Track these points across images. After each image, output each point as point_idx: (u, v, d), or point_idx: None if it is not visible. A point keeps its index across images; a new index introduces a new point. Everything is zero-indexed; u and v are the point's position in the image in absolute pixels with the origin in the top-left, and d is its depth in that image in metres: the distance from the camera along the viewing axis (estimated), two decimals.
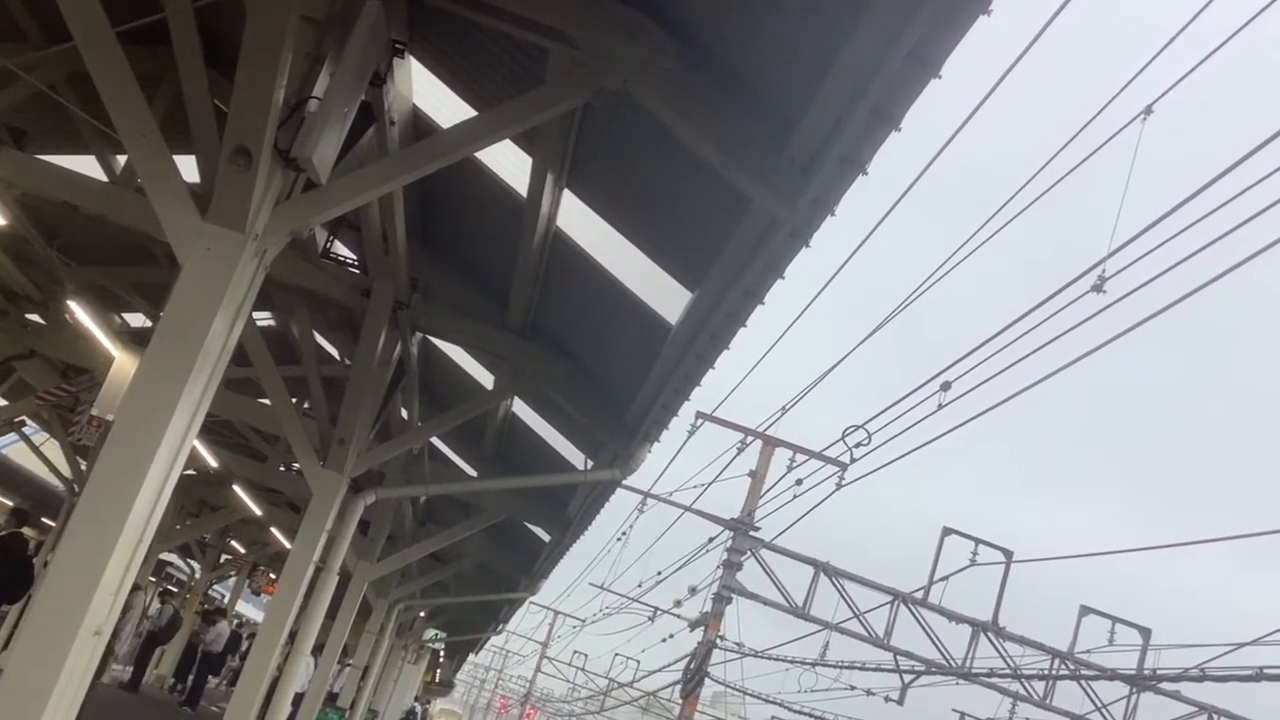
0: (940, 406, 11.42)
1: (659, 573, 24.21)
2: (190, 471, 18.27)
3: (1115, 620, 18.95)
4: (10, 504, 23.39)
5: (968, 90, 7.55)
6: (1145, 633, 18.79)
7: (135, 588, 17.29)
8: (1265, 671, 12.94)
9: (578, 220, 8.27)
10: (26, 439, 21.35)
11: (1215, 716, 19.78)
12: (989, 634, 19.18)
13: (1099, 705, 19.46)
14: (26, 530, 15.14)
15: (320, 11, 5.40)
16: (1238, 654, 15.41)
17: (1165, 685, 18.59)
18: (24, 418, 19.17)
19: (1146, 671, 18.34)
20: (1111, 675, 18.43)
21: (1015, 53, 7.09)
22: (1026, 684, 19.67)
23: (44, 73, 9.13)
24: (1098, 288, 8.76)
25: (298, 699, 15.65)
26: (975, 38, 4.52)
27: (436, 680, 50.72)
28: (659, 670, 29.45)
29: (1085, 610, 19.07)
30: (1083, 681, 19.12)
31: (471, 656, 59.83)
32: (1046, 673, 19.17)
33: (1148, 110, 8.68)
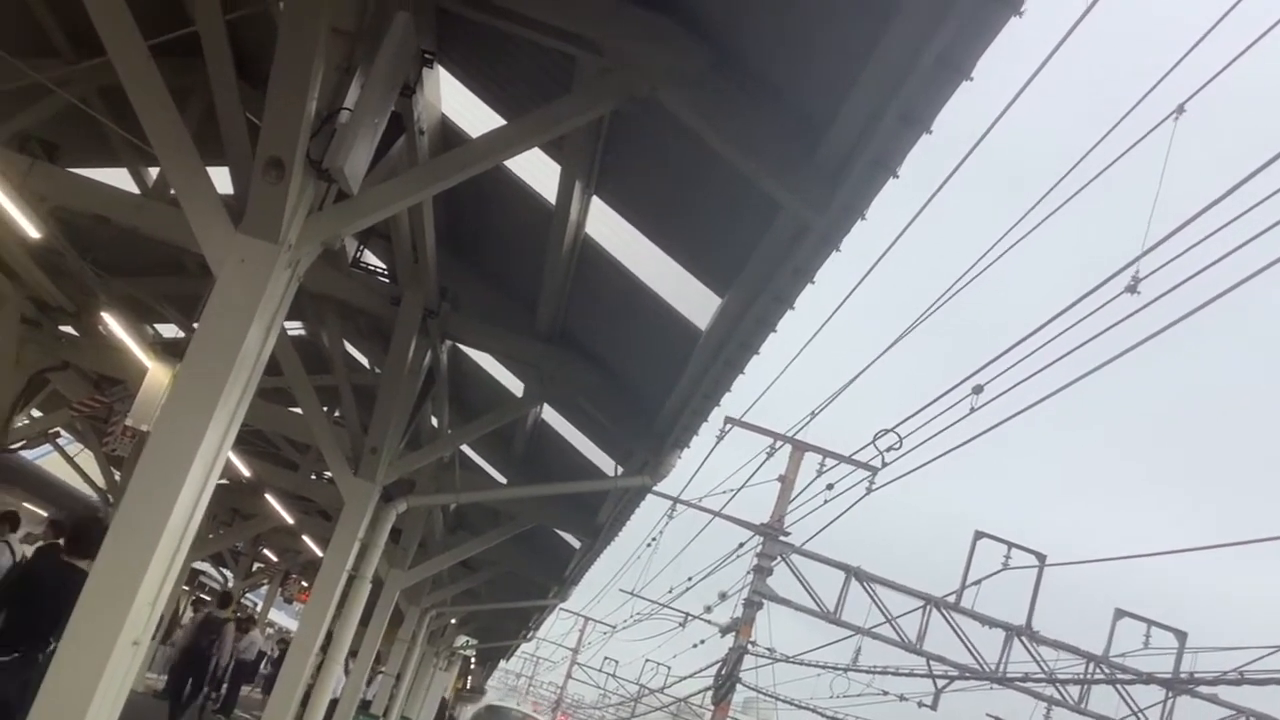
0: (973, 409, 11.37)
1: (689, 578, 24.24)
2: (223, 480, 18.41)
3: (1150, 623, 18.79)
4: (46, 514, 23.59)
5: (1001, 91, 7.51)
6: (1181, 636, 18.61)
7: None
8: None
9: (606, 227, 8.28)
10: (61, 450, 21.56)
11: None
12: (1022, 638, 19.06)
13: (1135, 709, 19.29)
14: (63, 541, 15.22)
15: (351, 23, 5.43)
16: (1276, 656, 15.26)
17: (1202, 689, 18.40)
18: (58, 429, 19.35)
19: (1183, 675, 18.16)
20: (1147, 679, 18.26)
21: (1051, 54, 7.04)
22: (1061, 688, 19.52)
23: (75, 86, 9.23)
24: (1132, 288, 8.70)
25: (332, 706, 15.71)
26: (1006, 39, 4.49)
27: (468, 687, 50.90)
28: (690, 676, 29.42)
29: (1120, 613, 18.92)
30: (1118, 685, 18.96)
31: (502, 663, 59.94)
32: (1081, 677, 19.02)
33: (1180, 109, 8.61)
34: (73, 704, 4.91)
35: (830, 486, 18.16)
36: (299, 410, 13.01)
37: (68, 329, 14.54)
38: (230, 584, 32.12)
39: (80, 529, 8.04)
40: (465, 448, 15.48)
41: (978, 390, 11.38)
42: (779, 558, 20.05)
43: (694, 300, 8.09)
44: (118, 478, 18.59)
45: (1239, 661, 15.81)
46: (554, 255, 8.61)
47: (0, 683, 7.25)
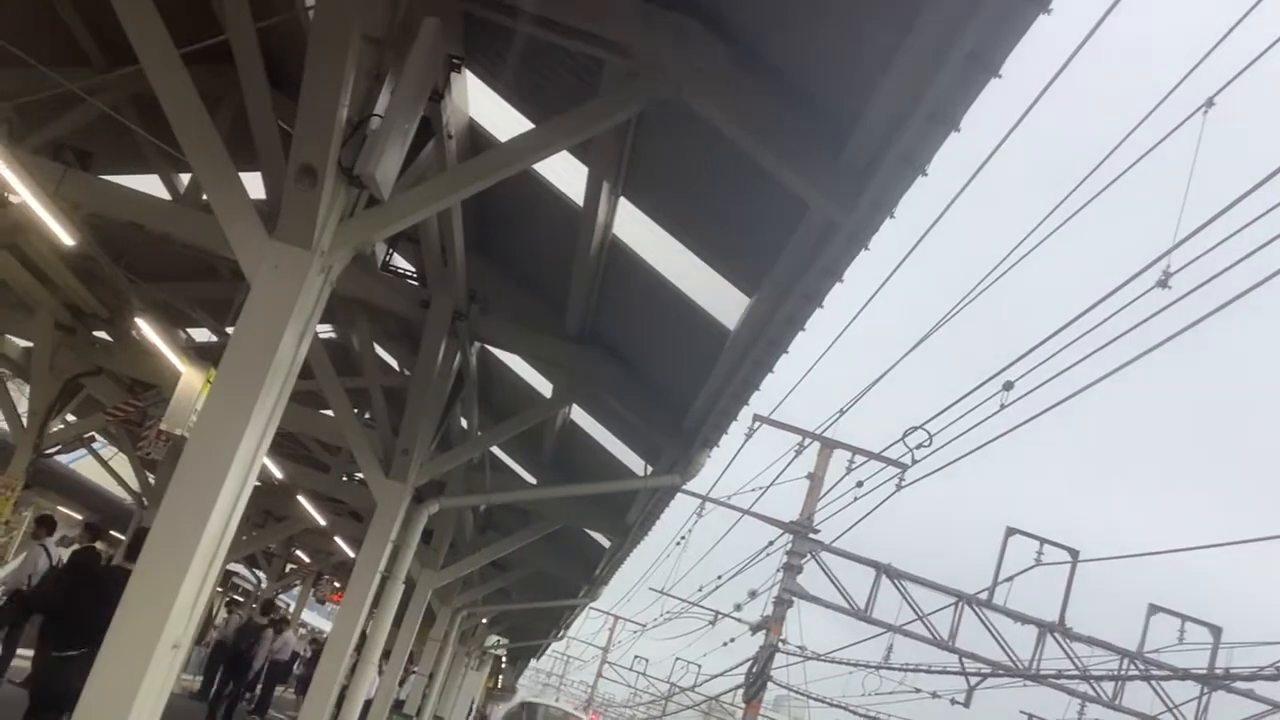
0: (1003, 406, 11.33)
1: (719, 576, 24.23)
2: (256, 483, 18.56)
3: (1185, 618, 18.65)
4: (81, 518, 23.85)
5: (1030, 88, 7.49)
6: (1216, 631, 18.46)
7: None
8: None
9: (634, 228, 8.30)
10: (96, 454, 21.78)
11: None
12: (1056, 634, 18.95)
13: (1170, 706, 19.15)
14: (98, 544, 15.41)
15: (380, 30, 5.47)
16: None
17: (1238, 684, 18.24)
18: (93, 433, 19.55)
19: (1218, 670, 18.01)
20: (1183, 675, 18.13)
21: (1081, 51, 7.01)
22: (1095, 685, 19.40)
23: (108, 95, 9.33)
24: (1163, 283, 8.66)
25: (365, 706, 15.82)
26: (1035, 36, 4.47)
27: (499, 686, 51.07)
28: (721, 675, 29.39)
29: (1154, 609, 18.78)
30: (1153, 682, 18.83)
31: (533, 662, 60.10)
32: (1115, 673, 18.90)
33: (1209, 103, 8.55)
34: (115, 708, 4.98)
35: (860, 484, 18.13)
36: (330, 413, 13.09)
37: (102, 335, 14.71)
38: (263, 585, 32.34)
39: (140, 536, 8.29)
40: (495, 449, 15.54)
41: (1008, 387, 11.34)
42: (809, 555, 20.02)
43: (722, 300, 8.10)
44: (151, 481, 18.77)
45: (1275, 656, 15.69)
46: (582, 256, 8.64)
47: (69, 674, 7.44)
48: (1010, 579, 18.83)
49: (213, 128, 5.71)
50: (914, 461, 15.91)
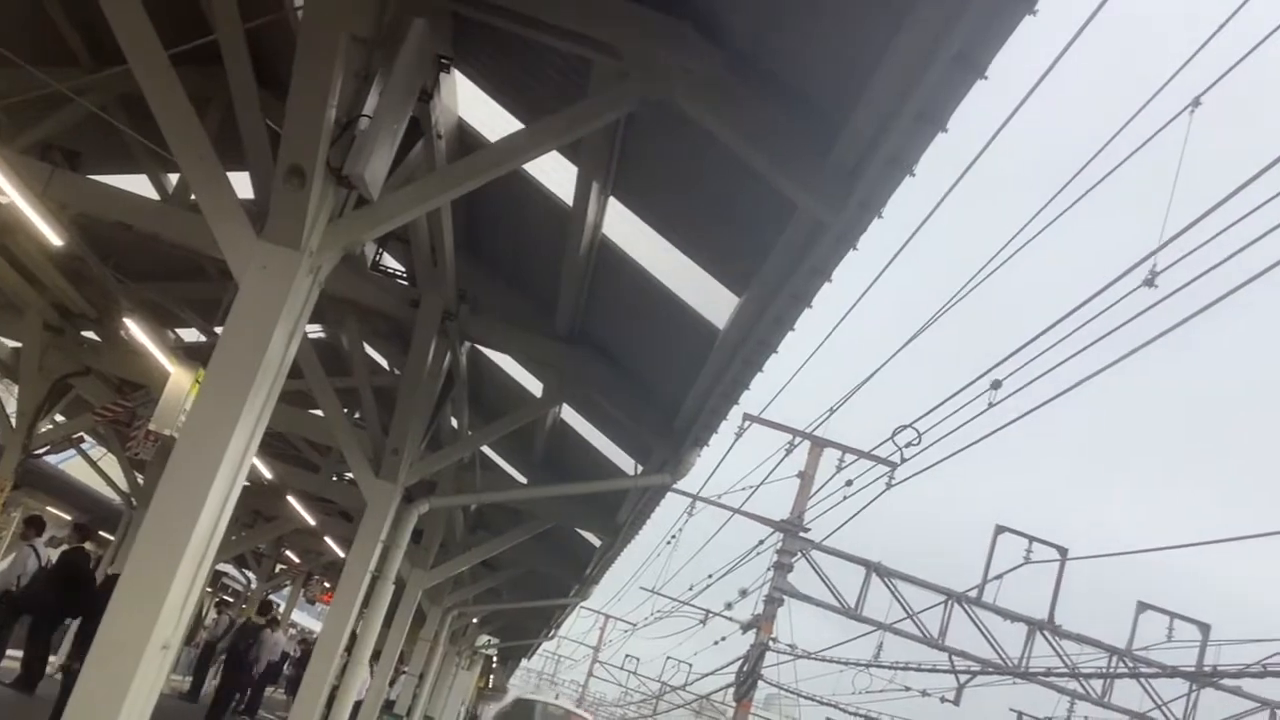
0: (991, 405, 11.37)
1: (709, 575, 24.26)
2: (245, 483, 18.48)
3: (1173, 616, 18.73)
4: (69, 518, 23.78)
5: (1016, 89, 7.52)
6: (1204, 628, 18.56)
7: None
8: None
9: (624, 227, 8.30)
10: (84, 454, 21.72)
11: (1278, 712, 19.47)
12: (1045, 632, 19.02)
13: (1159, 703, 19.23)
14: (87, 545, 15.37)
15: (369, 31, 5.48)
16: None
17: (1226, 682, 18.32)
18: (82, 434, 19.49)
19: (1206, 668, 18.09)
20: (1171, 672, 18.20)
21: (1069, 51, 7.04)
22: (1084, 682, 19.48)
23: (96, 95, 9.31)
24: (1149, 282, 8.69)
25: (355, 707, 15.80)
26: (1021, 36, 4.50)
27: (489, 686, 51.03)
28: (712, 673, 29.45)
29: (1143, 606, 18.86)
30: (1141, 679, 18.89)
31: (524, 661, 60.07)
32: (1104, 671, 18.97)
33: (1195, 102, 8.59)
34: (104, 708, 4.97)
35: (850, 483, 18.17)
36: (320, 413, 13.07)
37: (90, 335, 14.66)
38: (253, 585, 32.29)
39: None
40: (485, 448, 15.52)
41: (996, 385, 11.38)
42: (799, 554, 20.06)
43: (712, 299, 8.11)
44: (140, 481, 18.72)
45: (1263, 654, 15.77)
46: (572, 256, 8.65)
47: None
48: (999, 577, 18.92)
49: (201, 128, 5.70)
50: (903, 460, 15.97)
